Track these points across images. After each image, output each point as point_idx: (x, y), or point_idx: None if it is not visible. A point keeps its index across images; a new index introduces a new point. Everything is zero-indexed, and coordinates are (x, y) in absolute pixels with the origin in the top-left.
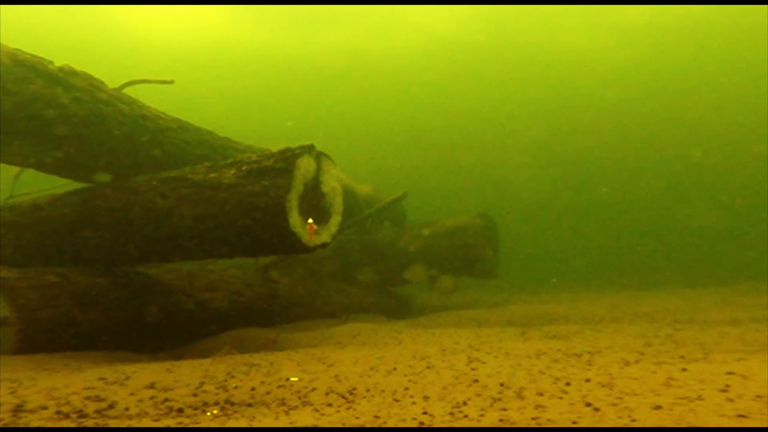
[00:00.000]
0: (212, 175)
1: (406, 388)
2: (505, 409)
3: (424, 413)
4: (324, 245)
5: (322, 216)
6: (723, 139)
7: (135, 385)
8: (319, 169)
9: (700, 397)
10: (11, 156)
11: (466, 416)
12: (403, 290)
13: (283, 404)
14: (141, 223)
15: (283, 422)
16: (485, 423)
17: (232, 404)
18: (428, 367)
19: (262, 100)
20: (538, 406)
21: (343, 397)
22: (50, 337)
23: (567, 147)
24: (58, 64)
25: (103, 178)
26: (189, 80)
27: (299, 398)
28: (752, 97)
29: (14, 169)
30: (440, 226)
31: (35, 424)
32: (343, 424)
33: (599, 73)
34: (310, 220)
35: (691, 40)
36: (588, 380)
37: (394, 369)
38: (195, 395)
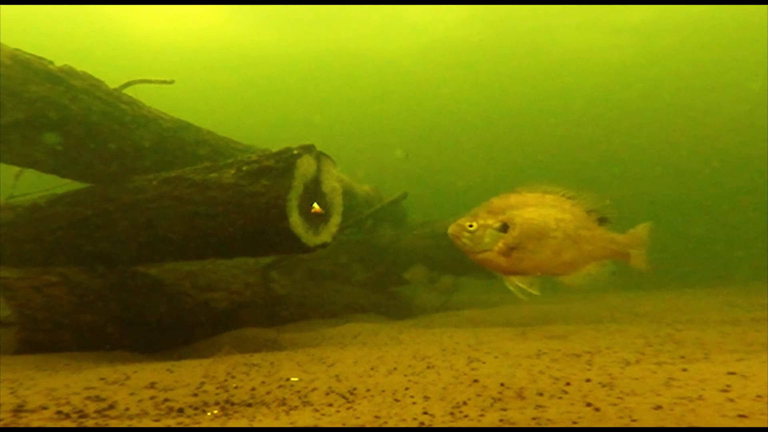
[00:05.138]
0: (212, 175)
1: (407, 388)
2: (505, 409)
3: (425, 413)
4: (324, 245)
5: (322, 216)
6: (721, 140)
7: (135, 385)
8: (319, 169)
9: (700, 397)
10: (11, 156)
11: (466, 416)
12: (403, 290)
13: (284, 404)
14: (141, 223)
15: (283, 422)
16: (485, 423)
17: (233, 404)
18: (428, 367)
19: (262, 99)
20: (538, 406)
21: (344, 397)
22: (50, 337)
23: (567, 147)
24: (58, 64)
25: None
26: (189, 80)
27: (299, 398)
28: (752, 97)
29: (14, 169)
30: (440, 225)
31: (36, 424)
32: (344, 424)
33: (599, 73)
34: (316, 205)
35: (692, 40)
36: (588, 380)
37: (395, 369)
38: (195, 395)
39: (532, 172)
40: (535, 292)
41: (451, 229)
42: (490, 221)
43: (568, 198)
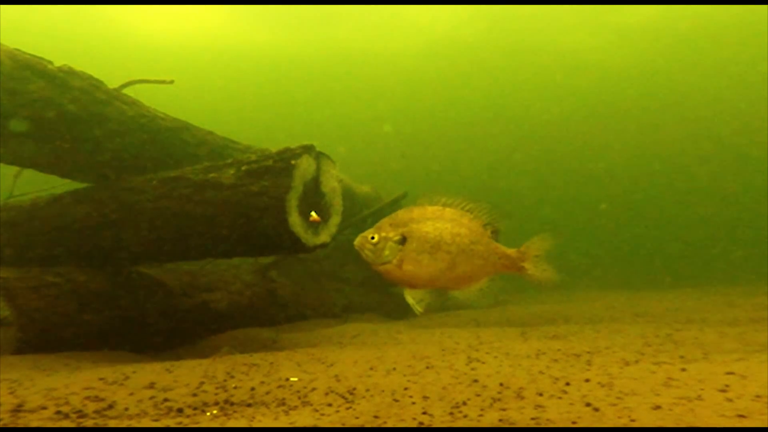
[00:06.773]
0: (212, 175)
1: (406, 388)
2: (504, 409)
3: (424, 413)
4: (323, 245)
5: (321, 216)
6: (722, 139)
7: (134, 385)
8: (318, 169)
9: (699, 397)
10: (10, 156)
11: (465, 416)
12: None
13: (283, 404)
14: (141, 223)
15: (282, 422)
16: (485, 423)
17: (232, 404)
18: (428, 367)
19: (262, 99)
20: (537, 406)
21: (343, 397)
22: (50, 337)
23: (566, 147)
24: (58, 64)
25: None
26: (189, 80)
27: (299, 398)
28: (751, 99)
29: (14, 169)
30: None
31: (35, 424)
32: (343, 424)
33: (598, 73)
34: (313, 213)
35: (691, 40)
36: (588, 380)
37: (394, 369)
38: (195, 395)
39: (532, 170)
40: (419, 310)
41: (357, 241)
42: (390, 234)
43: (467, 210)
